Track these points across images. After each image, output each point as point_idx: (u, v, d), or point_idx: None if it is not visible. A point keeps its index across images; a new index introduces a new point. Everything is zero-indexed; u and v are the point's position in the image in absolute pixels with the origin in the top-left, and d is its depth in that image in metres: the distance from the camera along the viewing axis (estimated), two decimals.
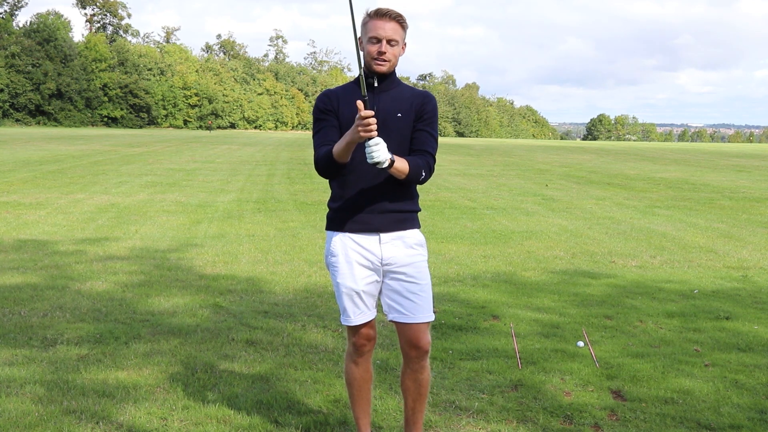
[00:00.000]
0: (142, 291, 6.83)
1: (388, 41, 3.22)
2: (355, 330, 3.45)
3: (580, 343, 5.37)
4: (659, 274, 8.23)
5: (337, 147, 3.16)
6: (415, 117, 3.33)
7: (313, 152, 3.37)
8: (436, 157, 3.40)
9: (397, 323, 3.40)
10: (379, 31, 3.21)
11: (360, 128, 3.00)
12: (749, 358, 5.15)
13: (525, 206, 15.06)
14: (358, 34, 3.30)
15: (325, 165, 3.25)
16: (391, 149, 3.21)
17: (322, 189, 17.85)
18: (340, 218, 3.39)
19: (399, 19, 3.25)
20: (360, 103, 3.00)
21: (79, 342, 5.21)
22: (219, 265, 8.15)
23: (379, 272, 3.38)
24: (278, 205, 14.30)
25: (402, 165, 3.17)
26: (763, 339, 5.62)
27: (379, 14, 3.23)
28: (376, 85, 3.30)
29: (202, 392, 4.29)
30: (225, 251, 9.06)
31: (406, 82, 3.44)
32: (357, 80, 3.36)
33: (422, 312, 3.37)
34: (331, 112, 3.33)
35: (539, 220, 12.81)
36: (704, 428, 3.94)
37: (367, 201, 3.32)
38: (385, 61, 3.24)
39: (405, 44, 3.33)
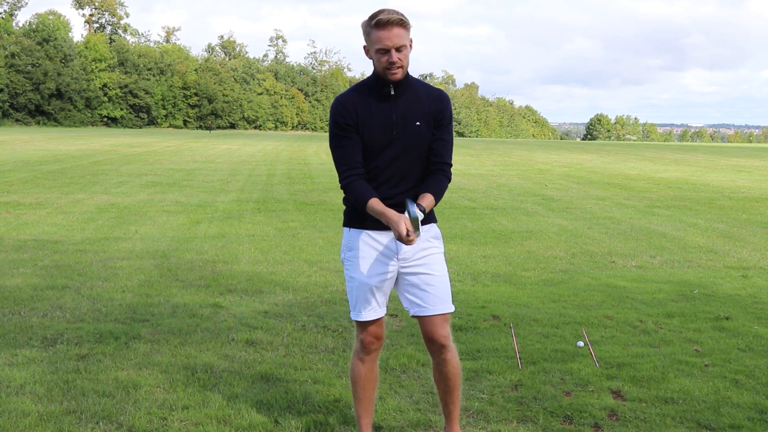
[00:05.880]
0: (142, 291, 6.82)
1: (397, 48, 3.18)
2: (363, 326, 3.46)
3: (580, 343, 5.37)
4: (659, 274, 8.23)
5: (374, 209, 3.22)
6: (433, 124, 3.33)
7: (334, 166, 3.36)
8: None
9: (417, 317, 3.43)
10: (385, 41, 3.15)
11: (400, 240, 3.14)
12: (749, 358, 5.15)
13: (525, 206, 15.06)
14: (363, 42, 3.27)
15: (355, 202, 3.30)
16: (412, 157, 3.30)
17: (321, 189, 17.86)
18: (359, 215, 3.40)
19: (401, 23, 3.19)
20: (404, 226, 3.09)
21: (79, 342, 5.21)
22: (219, 265, 8.15)
23: (395, 268, 3.40)
24: (278, 205, 14.31)
25: (430, 203, 3.29)
26: (763, 339, 5.62)
27: (380, 24, 3.15)
28: (392, 93, 3.27)
29: (202, 392, 4.29)
30: (225, 251, 9.06)
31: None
32: (369, 82, 3.32)
33: (439, 303, 3.37)
34: (351, 126, 3.29)
35: (539, 220, 12.81)
36: (704, 428, 3.94)
37: (387, 201, 3.32)
38: (398, 68, 3.20)
39: (411, 40, 3.28)
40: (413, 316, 3.42)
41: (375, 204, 3.22)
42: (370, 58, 3.26)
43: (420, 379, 4.62)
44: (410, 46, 3.26)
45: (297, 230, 11.03)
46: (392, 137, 3.28)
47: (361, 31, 3.28)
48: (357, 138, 3.29)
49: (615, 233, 11.36)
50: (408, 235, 3.09)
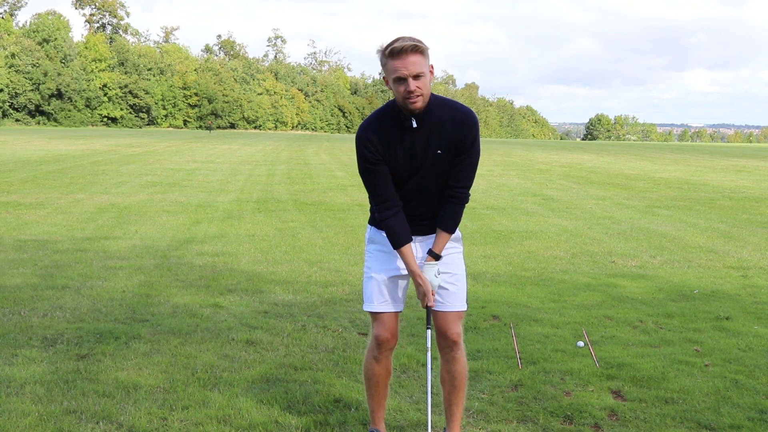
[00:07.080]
0: (142, 291, 6.83)
1: (414, 76, 3.11)
2: (378, 320, 3.48)
3: (580, 343, 5.37)
4: (659, 274, 8.23)
5: (404, 255, 3.36)
6: (455, 152, 3.32)
7: (368, 200, 3.46)
8: None
9: (433, 312, 3.49)
10: (401, 70, 3.10)
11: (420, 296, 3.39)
12: (749, 358, 5.15)
13: (525, 206, 15.06)
14: (381, 72, 3.26)
15: (389, 238, 3.38)
16: (434, 182, 3.34)
17: (321, 189, 17.86)
18: None
19: (417, 49, 3.10)
20: (425, 294, 3.35)
21: (79, 342, 5.21)
22: (219, 266, 8.15)
23: None
24: (278, 205, 14.31)
25: (444, 243, 3.40)
26: (763, 339, 5.62)
27: (395, 53, 3.09)
28: (414, 126, 3.24)
29: (202, 392, 4.29)
30: (225, 251, 9.06)
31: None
32: (392, 111, 3.28)
33: (456, 301, 3.47)
34: (378, 160, 3.31)
35: (539, 220, 12.81)
36: (704, 428, 3.94)
37: (409, 215, 3.42)
38: (417, 96, 3.16)
39: (432, 66, 3.20)
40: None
41: (406, 251, 3.35)
42: (390, 88, 3.22)
43: (420, 379, 4.62)
44: (431, 72, 3.19)
45: (297, 230, 11.03)
46: (415, 167, 3.32)
47: (379, 62, 3.21)
48: (386, 169, 3.32)
49: (615, 233, 11.36)
50: (426, 298, 3.37)
